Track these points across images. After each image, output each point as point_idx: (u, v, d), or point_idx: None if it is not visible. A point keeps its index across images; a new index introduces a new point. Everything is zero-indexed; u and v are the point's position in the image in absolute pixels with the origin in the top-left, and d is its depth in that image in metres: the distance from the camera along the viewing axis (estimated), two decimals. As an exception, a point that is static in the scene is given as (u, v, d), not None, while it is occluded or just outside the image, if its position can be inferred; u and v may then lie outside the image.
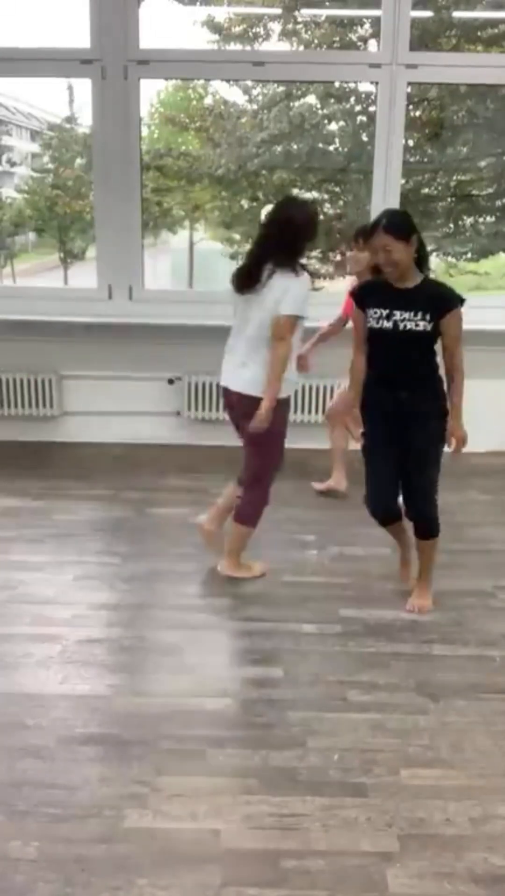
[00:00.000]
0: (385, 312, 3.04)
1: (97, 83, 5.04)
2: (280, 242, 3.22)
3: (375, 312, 3.07)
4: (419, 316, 3.00)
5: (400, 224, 3.00)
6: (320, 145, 8.87)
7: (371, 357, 3.18)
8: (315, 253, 9.40)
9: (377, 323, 3.07)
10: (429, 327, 3.01)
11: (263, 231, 3.35)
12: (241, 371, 3.32)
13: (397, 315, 3.02)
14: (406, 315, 3.01)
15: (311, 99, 8.71)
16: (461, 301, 3.04)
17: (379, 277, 3.14)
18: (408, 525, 3.33)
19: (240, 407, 3.35)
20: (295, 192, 8.97)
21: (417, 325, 3.01)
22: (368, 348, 3.17)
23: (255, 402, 3.23)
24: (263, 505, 3.49)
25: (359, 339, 3.21)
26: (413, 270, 3.05)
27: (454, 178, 8.79)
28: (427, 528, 3.26)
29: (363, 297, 3.16)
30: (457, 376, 3.11)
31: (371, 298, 3.11)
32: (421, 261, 3.07)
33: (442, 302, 3.03)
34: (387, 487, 3.23)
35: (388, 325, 3.03)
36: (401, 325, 3.02)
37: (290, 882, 1.96)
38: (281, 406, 3.30)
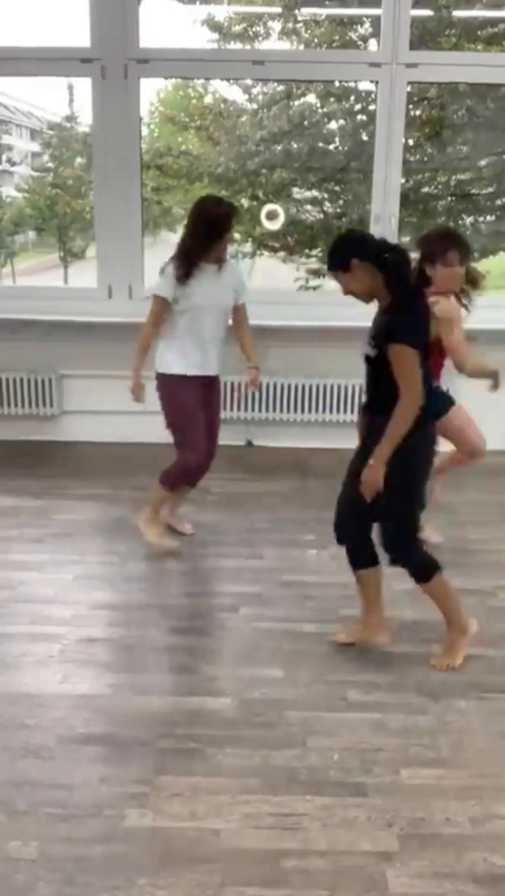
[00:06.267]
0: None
1: (97, 82, 5.04)
2: None
3: None
4: (370, 341, 2.75)
5: (332, 256, 2.76)
6: (320, 144, 8.86)
7: None
8: (316, 252, 9.39)
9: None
10: (372, 354, 2.74)
11: None
12: None
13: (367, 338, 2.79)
14: (367, 339, 2.78)
15: (311, 98, 8.70)
16: (405, 339, 2.64)
17: None
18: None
19: None
20: (295, 191, 8.99)
21: (368, 351, 2.76)
22: None
23: None
24: None
25: None
26: (382, 292, 2.72)
27: (454, 177, 8.78)
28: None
29: None
30: (393, 416, 2.66)
31: None
32: (398, 279, 2.72)
33: (381, 334, 2.71)
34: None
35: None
36: (364, 349, 2.80)
37: (290, 882, 1.96)
38: None
